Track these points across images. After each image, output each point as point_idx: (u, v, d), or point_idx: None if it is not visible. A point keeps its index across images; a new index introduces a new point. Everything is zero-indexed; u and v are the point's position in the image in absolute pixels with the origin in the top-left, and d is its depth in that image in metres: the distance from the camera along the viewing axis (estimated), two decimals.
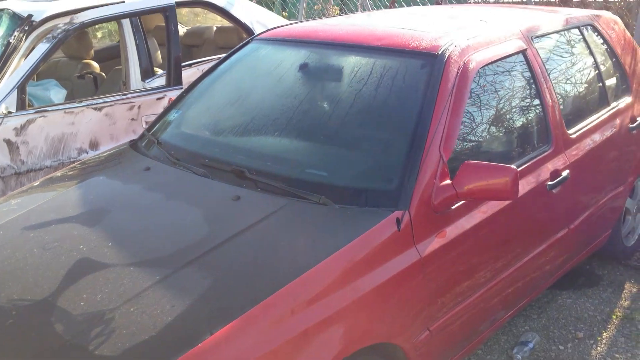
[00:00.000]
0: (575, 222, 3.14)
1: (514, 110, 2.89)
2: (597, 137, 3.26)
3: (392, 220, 2.20)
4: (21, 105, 3.75)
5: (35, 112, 3.80)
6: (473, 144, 2.65)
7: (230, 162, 2.53)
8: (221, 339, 1.76)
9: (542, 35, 3.17)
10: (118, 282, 1.98)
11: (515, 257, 2.74)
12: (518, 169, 2.29)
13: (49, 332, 1.83)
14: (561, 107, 3.06)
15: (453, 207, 2.39)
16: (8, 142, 3.71)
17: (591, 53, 3.47)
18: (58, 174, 2.94)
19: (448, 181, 2.34)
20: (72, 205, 2.53)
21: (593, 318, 3.38)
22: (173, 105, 3.15)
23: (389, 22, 3.20)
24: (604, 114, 3.38)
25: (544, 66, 3.02)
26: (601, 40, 3.63)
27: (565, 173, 2.95)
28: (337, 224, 2.21)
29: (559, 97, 3.09)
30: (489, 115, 2.74)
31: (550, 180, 2.87)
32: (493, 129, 2.78)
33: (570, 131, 3.09)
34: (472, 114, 2.63)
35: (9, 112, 3.71)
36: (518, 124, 2.90)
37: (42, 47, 3.78)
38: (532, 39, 3.03)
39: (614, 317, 3.39)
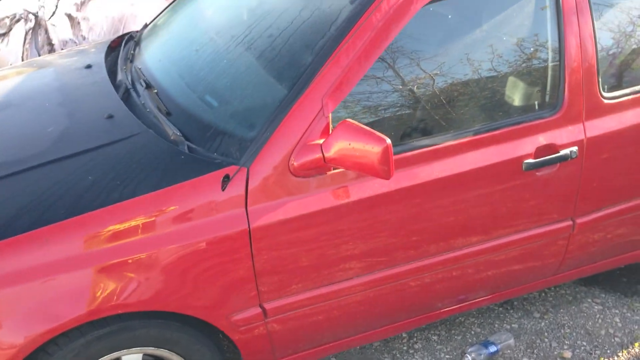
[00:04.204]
0: (588, 217, 2.37)
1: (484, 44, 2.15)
2: None
3: (218, 177, 1.84)
4: None
5: None
6: (398, 97, 2.06)
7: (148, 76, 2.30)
8: None
9: None
10: None
11: (425, 252, 2.15)
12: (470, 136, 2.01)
13: None
14: (600, 52, 2.22)
15: (330, 173, 1.92)
16: (69, 17, 3.85)
17: None
18: (47, 57, 2.99)
19: (319, 141, 1.87)
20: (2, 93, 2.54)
21: (609, 338, 2.61)
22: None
23: None
24: None
25: None
26: None
27: (567, 151, 2.19)
28: (165, 167, 1.91)
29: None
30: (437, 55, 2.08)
31: (533, 158, 2.16)
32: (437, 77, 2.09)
33: (607, 94, 2.25)
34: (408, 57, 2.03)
35: None
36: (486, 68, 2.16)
37: None
38: None
39: (637, 345, 2.58)
